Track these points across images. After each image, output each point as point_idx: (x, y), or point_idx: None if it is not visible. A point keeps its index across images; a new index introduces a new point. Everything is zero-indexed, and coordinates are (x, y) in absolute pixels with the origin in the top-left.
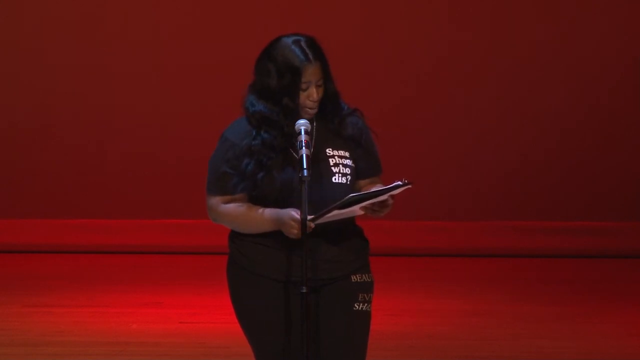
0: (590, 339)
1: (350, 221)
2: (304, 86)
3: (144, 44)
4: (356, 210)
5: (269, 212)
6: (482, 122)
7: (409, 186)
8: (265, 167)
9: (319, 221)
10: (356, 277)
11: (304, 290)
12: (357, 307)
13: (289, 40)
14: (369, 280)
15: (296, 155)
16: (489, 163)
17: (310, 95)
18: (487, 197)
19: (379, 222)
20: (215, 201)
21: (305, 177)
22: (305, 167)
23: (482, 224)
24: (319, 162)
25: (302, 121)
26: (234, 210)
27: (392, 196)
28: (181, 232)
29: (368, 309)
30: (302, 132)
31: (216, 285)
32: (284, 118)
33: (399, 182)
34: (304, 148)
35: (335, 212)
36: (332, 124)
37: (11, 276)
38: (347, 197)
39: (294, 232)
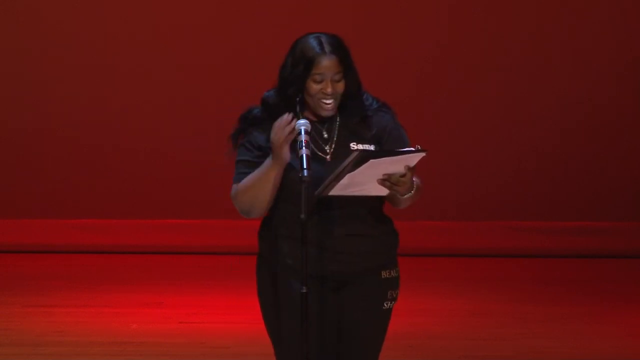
0: (590, 339)
1: (379, 211)
2: (317, 78)
3: (145, 44)
4: (371, 188)
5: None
6: (481, 122)
7: (423, 154)
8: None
9: (334, 192)
10: (386, 273)
11: (304, 291)
12: (386, 305)
13: (311, 36)
14: (396, 275)
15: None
16: (489, 163)
17: (324, 88)
18: (486, 197)
19: None
20: (234, 188)
21: (305, 177)
22: (305, 167)
23: (482, 224)
24: (342, 156)
25: (302, 121)
26: (242, 183)
27: (411, 170)
28: (181, 232)
29: (392, 306)
30: (302, 132)
31: (216, 285)
32: (282, 103)
33: (412, 148)
34: (304, 148)
35: (348, 176)
36: (355, 122)
37: (11, 276)
38: (354, 153)
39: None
